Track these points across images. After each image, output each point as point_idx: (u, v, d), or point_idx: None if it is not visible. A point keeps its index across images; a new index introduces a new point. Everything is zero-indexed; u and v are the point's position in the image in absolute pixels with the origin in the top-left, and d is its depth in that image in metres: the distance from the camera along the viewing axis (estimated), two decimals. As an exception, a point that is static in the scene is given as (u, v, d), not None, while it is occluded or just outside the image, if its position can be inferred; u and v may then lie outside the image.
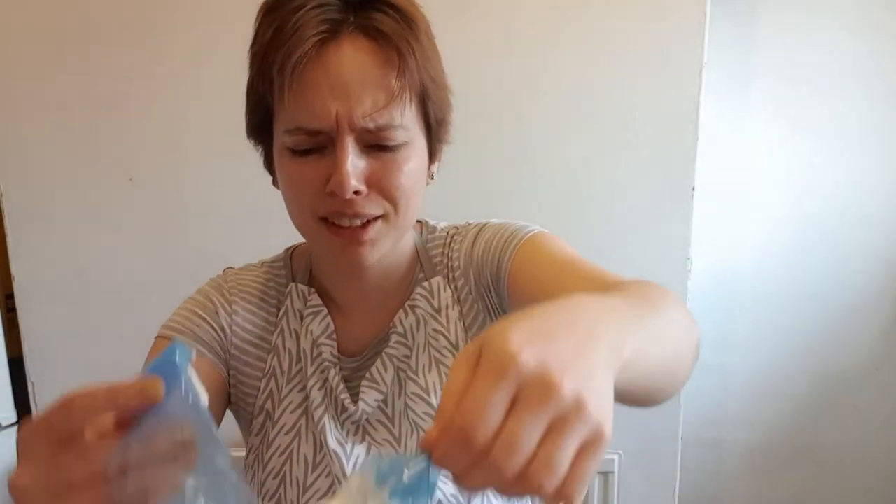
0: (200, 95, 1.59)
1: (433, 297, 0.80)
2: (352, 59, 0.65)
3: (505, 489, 0.38)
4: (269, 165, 0.77)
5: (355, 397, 0.79)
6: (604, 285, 0.64)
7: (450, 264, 0.81)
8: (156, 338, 0.80)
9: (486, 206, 1.56)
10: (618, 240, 1.61)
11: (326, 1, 0.65)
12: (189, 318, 0.80)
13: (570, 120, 1.57)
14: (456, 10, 1.52)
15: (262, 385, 0.80)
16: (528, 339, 0.38)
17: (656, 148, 1.57)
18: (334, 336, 0.80)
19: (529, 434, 0.37)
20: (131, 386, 0.40)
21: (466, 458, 0.38)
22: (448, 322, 0.79)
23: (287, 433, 0.78)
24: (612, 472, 1.67)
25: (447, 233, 0.84)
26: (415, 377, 0.78)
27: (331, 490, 0.76)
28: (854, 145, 1.84)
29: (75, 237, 1.65)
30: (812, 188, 1.87)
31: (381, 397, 0.78)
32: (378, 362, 0.79)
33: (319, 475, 0.77)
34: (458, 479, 0.39)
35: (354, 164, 0.66)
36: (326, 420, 0.77)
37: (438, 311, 0.79)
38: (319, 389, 0.78)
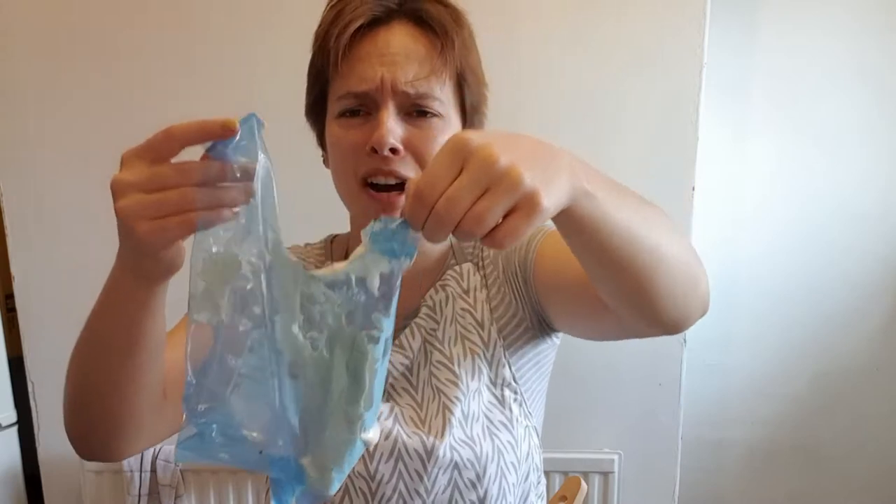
0: (201, 95, 1.60)
1: (462, 280, 0.86)
2: (400, 37, 0.75)
3: (452, 235, 0.48)
4: (322, 142, 0.85)
5: None
6: None
7: (480, 254, 0.87)
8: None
9: (486, 205, 1.56)
10: (618, 240, 1.61)
11: None
12: None
13: (569, 120, 1.57)
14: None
15: None
16: (485, 134, 0.48)
17: (656, 148, 1.58)
18: None
19: (465, 193, 0.47)
20: (216, 119, 0.53)
21: (422, 212, 0.48)
22: (475, 302, 0.84)
23: None
24: (612, 472, 1.67)
25: None
26: (441, 347, 0.83)
27: None
28: (852, 145, 1.85)
29: (75, 237, 1.65)
30: (811, 188, 1.87)
31: (406, 363, 0.83)
32: (407, 331, 0.83)
33: None
34: (421, 231, 0.50)
35: (394, 124, 0.74)
36: None
37: (467, 291, 0.85)
38: None
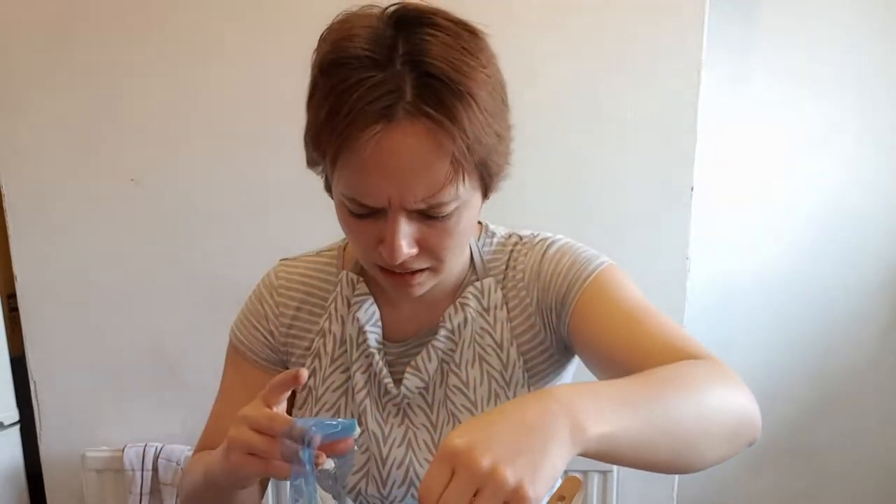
0: (202, 97, 1.60)
1: (483, 297, 0.83)
2: (405, 146, 0.65)
3: None
4: (328, 190, 0.79)
5: (398, 382, 0.83)
6: (653, 350, 0.70)
7: (508, 272, 0.84)
8: (230, 339, 0.92)
9: (485, 207, 1.56)
10: (617, 240, 1.61)
11: (383, 77, 0.64)
12: (247, 327, 0.90)
13: (568, 120, 1.57)
14: (453, 10, 1.52)
15: (308, 363, 0.87)
16: (468, 432, 0.52)
17: (655, 148, 1.58)
18: (380, 323, 0.85)
19: (456, 498, 0.50)
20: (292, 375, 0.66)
21: None
22: (495, 322, 0.83)
23: (328, 410, 0.85)
24: (612, 472, 1.68)
25: (508, 240, 0.87)
26: (457, 371, 0.82)
27: (365, 467, 0.83)
28: (852, 145, 1.85)
29: (77, 237, 1.66)
30: (810, 188, 1.87)
31: (422, 385, 0.83)
32: (424, 352, 0.83)
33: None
34: None
35: (405, 233, 0.69)
36: (368, 403, 0.83)
37: (487, 310, 0.83)
38: (363, 373, 0.84)
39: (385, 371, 0.83)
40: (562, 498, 0.64)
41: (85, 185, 1.64)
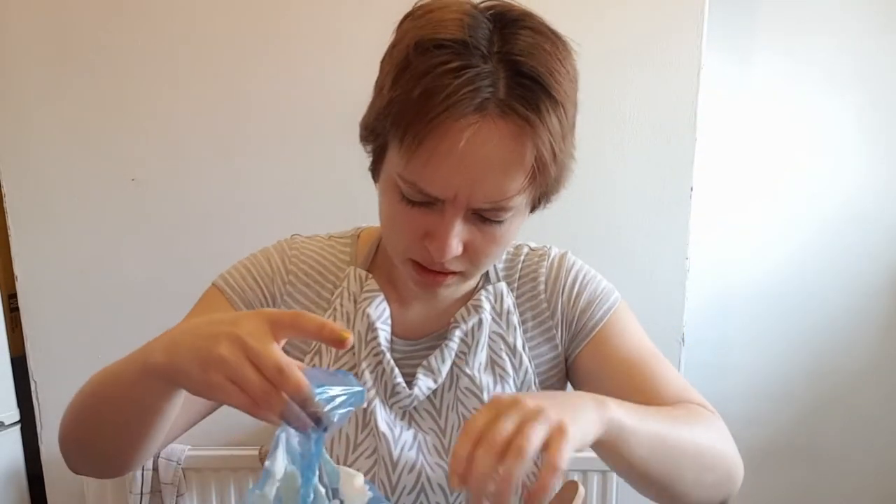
0: (203, 96, 1.60)
1: (496, 301, 0.83)
2: (488, 142, 0.63)
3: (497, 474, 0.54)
4: (374, 170, 0.75)
5: (409, 382, 0.81)
6: (654, 400, 0.75)
7: (523, 280, 0.85)
8: (212, 284, 0.84)
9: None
10: (617, 240, 1.62)
11: (481, 69, 0.62)
12: (244, 277, 0.83)
13: (569, 121, 1.57)
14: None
15: (306, 360, 0.82)
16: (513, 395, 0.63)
17: (655, 149, 1.58)
18: (389, 321, 0.82)
19: (501, 429, 0.54)
20: (336, 331, 0.56)
21: (468, 446, 0.55)
22: (508, 327, 0.82)
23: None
24: (612, 472, 1.68)
25: (519, 249, 0.87)
26: (470, 373, 0.80)
27: (372, 471, 0.78)
28: (851, 146, 1.85)
29: (78, 237, 1.66)
30: (809, 189, 1.87)
31: (435, 386, 0.81)
32: (437, 352, 0.81)
33: (360, 456, 0.79)
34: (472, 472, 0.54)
35: (457, 231, 0.67)
36: (377, 403, 0.79)
37: (500, 315, 0.82)
38: (371, 372, 0.80)
39: (396, 371, 0.80)
40: (562, 501, 0.64)
41: (85, 184, 1.64)
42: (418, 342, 0.83)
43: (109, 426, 0.68)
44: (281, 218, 1.62)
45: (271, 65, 1.58)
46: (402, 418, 0.81)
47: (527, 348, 0.82)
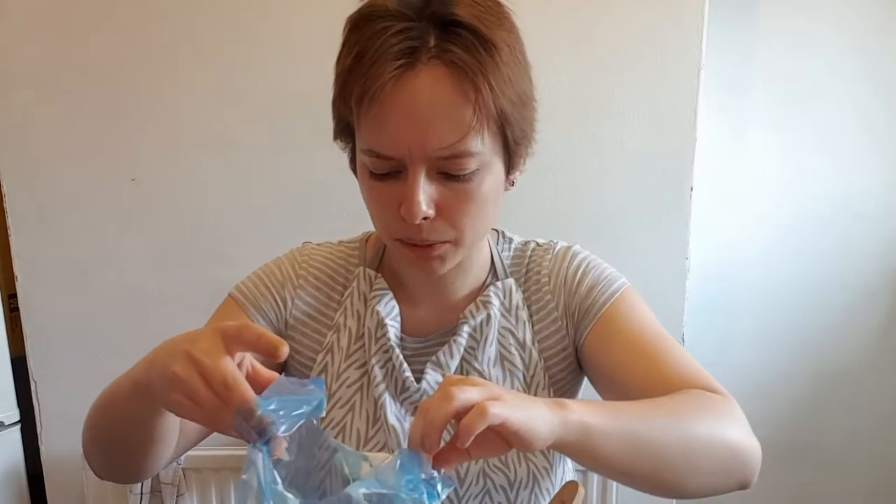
0: (203, 97, 1.60)
1: (505, 297, 0.84)
2: (427, 89, 0.66)
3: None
4: (352, 165, 0.80)
5: (418, 377, 0.82)
6: (671, 381, 0.74)
7: (529, 276, 0.85)
8: (228, 295, 0.87)
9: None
10: (616, 240, 1.62)
11: (409, 25, 0.66)
12: (256, 285, 0.86)
13: (568, 121, 1.57)
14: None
15: (319, 359, 0.84)
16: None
17: (655, 149, 1.58)
18: (399, 318, 0.84)
19: (433, 404, 0.55)
20: (272, 340, 0.56)
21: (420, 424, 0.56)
22: (517, 322, 0.83)
23: (342, 407, 0.82)
24: (611, 471, 1.68)
25: (526, 245, 0.88)
26: (480, 368, 0.82)
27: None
28: (850, 146, 1.85)
29: (78, 237, 1.66)
30: (809, 189, 1.87)
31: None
32: (445, 348, 0.82)
33: (370, 450, 0.80)
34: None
35: (424, 190, 0.68)
36: (387, 397, 0.81)
37: (509, 310, 0.84)
38: (381, 368, 0.82)
39: (405, 366, 0.81)
40: (562, 501, 0.64)
41: (85, 185, 1.64)
42: (428, 339, 0.84)
43: (117, 439, 0.72)
44: (281, 218, 1.62)
45: (272, 65, 1.58)
46: (412, 413, 0.82)
47: (536, 343, 0.83)
